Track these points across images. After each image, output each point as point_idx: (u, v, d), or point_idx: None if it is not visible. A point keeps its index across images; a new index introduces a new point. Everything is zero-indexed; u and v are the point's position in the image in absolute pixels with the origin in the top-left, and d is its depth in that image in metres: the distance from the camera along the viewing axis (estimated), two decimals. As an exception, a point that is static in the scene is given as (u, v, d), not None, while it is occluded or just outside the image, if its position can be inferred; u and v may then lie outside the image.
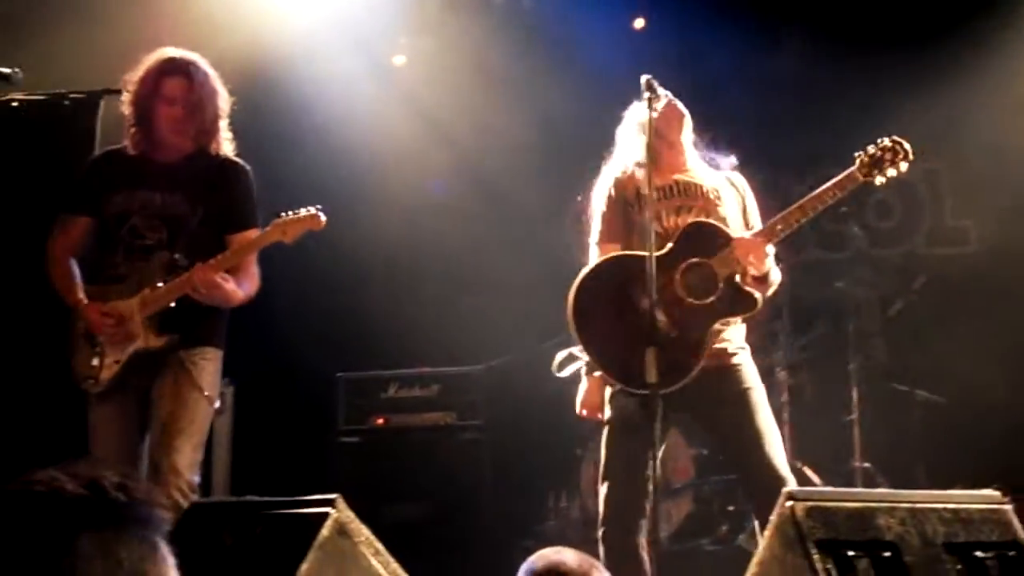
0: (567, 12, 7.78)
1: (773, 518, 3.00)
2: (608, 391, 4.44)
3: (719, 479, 6.87)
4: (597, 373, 4.47)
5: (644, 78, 4.32)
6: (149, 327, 4.50)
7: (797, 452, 6.78)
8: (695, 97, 4.69)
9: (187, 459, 4.42)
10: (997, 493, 3.28)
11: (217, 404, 4.61)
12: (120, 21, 6.69)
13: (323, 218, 4.51)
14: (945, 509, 3.07)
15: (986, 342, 7.30)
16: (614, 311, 4.31)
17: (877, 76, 7.92)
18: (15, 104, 5.46)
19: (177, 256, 4.51)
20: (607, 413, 4.44)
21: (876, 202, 8.17)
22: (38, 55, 5.65)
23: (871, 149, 4.34)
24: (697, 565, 6.54)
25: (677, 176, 4.54)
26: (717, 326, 4.33)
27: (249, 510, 3.16)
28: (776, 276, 4.46)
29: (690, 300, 4.29)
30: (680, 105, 4.54)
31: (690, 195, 4.49)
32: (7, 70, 4.37)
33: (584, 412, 4.63)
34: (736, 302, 4.35)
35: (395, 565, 3.09)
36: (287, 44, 7.19)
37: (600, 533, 4.32)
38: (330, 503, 3.02)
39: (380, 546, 3.09)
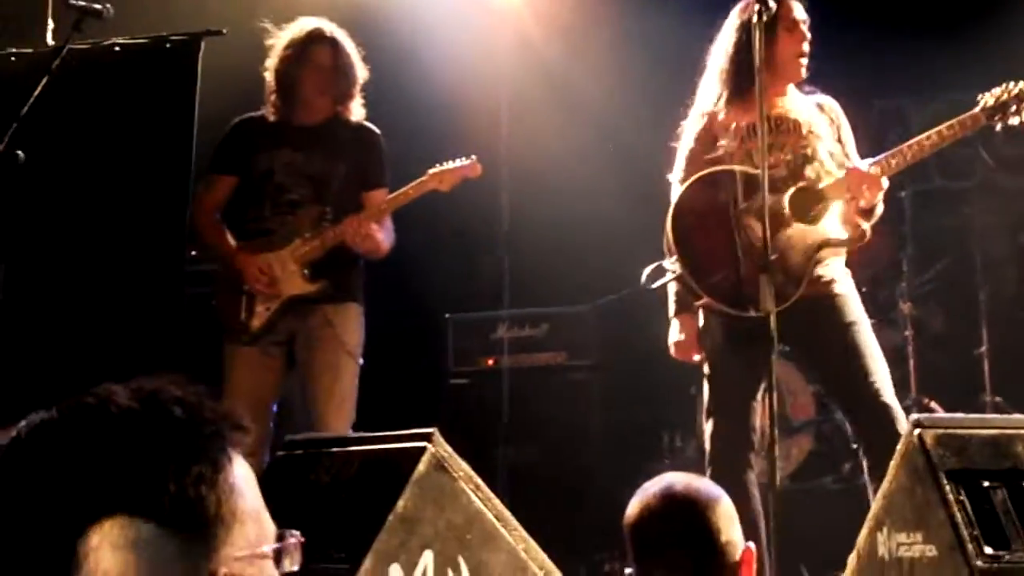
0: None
1: (900, 447, 2.80)
2: (701, 322, 4.25)
3: (841, 416, 6.63)
4: (700, 300, 4.26)
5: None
6: (302, 274, 4.78)
7: (922, 388, 6.53)
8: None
9: (343, 428, 4.67)
10: None
11: (361, 361, 4.86)
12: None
13: (479, 167, 4.85)
14: (1089, 435, 2.82)
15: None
16: (714, 229, 4.18)
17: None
18: (117, 48, 5.46)
19: (327, 210, 4.80)
20: (708, 344, 4.29)
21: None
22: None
23: (997, 91, 4.16)
24: (820, 503, 6.32)
25: (769, 112, 4.23)
26: (820, 254, 4.15)
27: (344, 446, 3.06)
28: (880, 209, 4.28)
29: (796, 223, 4.12)
30: (799, 5, 4.32)
31: (780, 131, 4.27)
32: (98, 6, 4.31)
33: (676, 353, 4.44)
34: (844, 231, 4.21)
35: (496, 501, 2.96)
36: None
37: (708, 472, 4.15)
38: (427, 437, 2.90)
39: (480, 482, 2.96)
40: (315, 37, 4.92)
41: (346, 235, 4.72)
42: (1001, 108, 4.12)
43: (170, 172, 5.41)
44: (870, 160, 4.22)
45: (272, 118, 4.94)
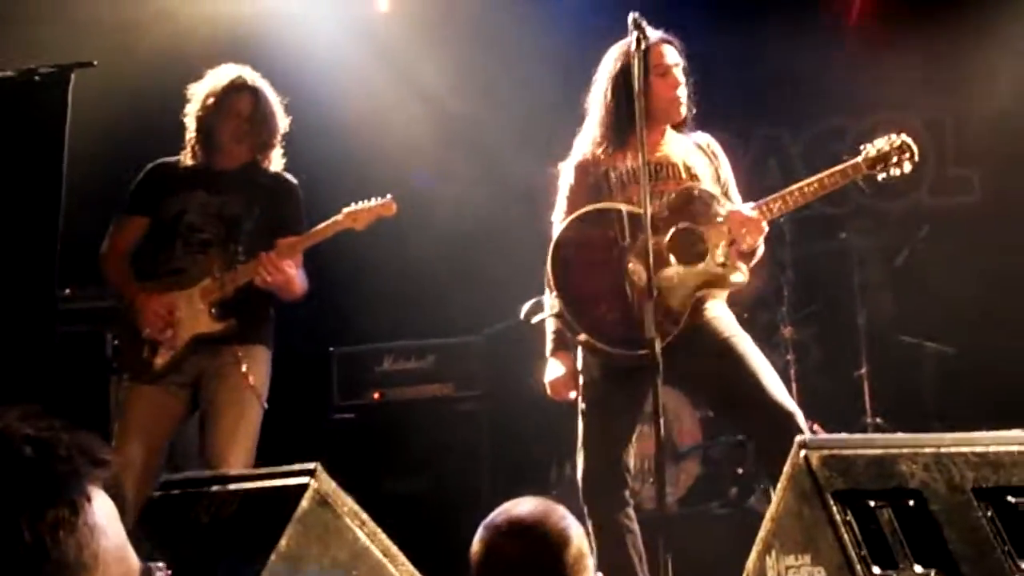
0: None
1: (787, 469, 2.80)
2: (580, 358, 4.24)
3: (727, 440, 6.69)
4: (580, 337, 4.22)
5: (632, 16, 4.09)
6: (209, 313, 4.72)
7: (806, 412, 6.57)
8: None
9: (243, 467, 4.58)
10: (1026, 433, 3.06)
11: (265, 405, 4.83)
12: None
13: (394, 206, 4.81)
14: (972, 453, 2.84)
15: (993, 290, 7.13)
16: (595, 269, 4.14)
17: (877, 23, 7.73)
18: (-16, 81, 5.29)
19: (239, 249, 4.76)
20: (580, 379, 4.26)
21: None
22: (6, 31, 5.48)
23: (880, 144, 4.24)
24: (707, 528, 6.35)
25: (648, 157, 4.18)
26: (700, 293, 4.16)
27: (224, 483, 2.96)
28: (761, 250, 4.33)
29: (676, 264, 4.14)
30: (670, 49, 4.33)
31: (660, 178, 4.26)
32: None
33: (552, 392, 4.40)
34: (723, 273, 4.20)
35: (382, 536, 2.89)
36: (269, 15, 6.99)
37: (585, 510, 4.12)
38: (310, 473, 2.82)
39: (366, 517, 2.89)
40: (236, 86, 4.90)
41: (256, 271, 4.67)
42: (883, 159, 4.20)
43: (39, 207, 5.24)
44: (751, 204, 4.23)
45: (190, 162, 4.93)
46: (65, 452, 1.16)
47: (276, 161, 4.98)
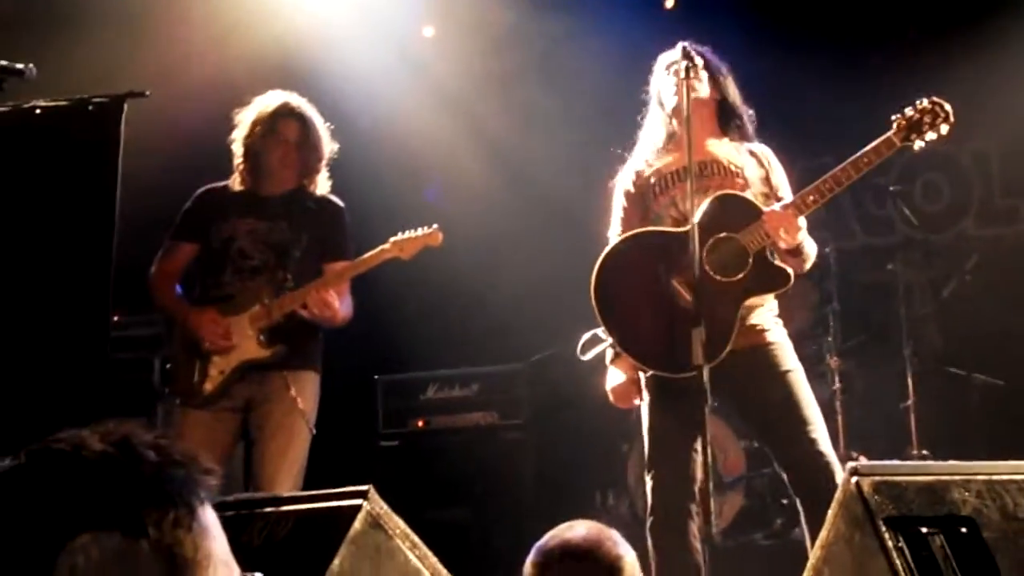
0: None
1: (838, 495, 2.79)
2: (643, 376, 4.23)
3: (771, 472, 6.64)
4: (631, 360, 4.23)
5: (680, 45, 4.13)
6: (258, 339, 4.75)
7: (851, 442, 6.57)
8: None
9: (291, 491, 4.59)
10: (1078, 462, 3.03)
11: (313, 429, 4.87)
12: (142, 22, 6.62)
13: (440, 236, 4.85)
14: (1025, 480, 2.83)
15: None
16: (639, 292, 4.13)
17: (921, 53, 7.71)
18: (38, 111, 5.38)
19: (288, 276, 4.79)
20: (644, 398, 4.22)
21: (924, 184, 7.95)
22: (60, 57, 5.57)
23: (908, 111, 4.10)
24: (752, 560, 6.33)
25: (693, 156, 4.24)
26: (748, 303, 4.11)
27: (276, 505, 2.99)
28: (812, 248, 4.24)
29: (718, 277, 4.06)
30: (706, 73, 4.33)
31: (704, 176, 4.21)
32: (20, 65, 4.25)
33: (615, 399, 4.39)
34: (767, 278, 4.13)
35: (433, 559, 2.91)
36: (316, 42, 7.07)
37: (648, 524, 4.12)
38: (362, 495, 2.84)
39: (417, 539, 2.90)
40: (283, 111, 4.96)
41: (305, 300, 4.72)
42: (915, 127, 4.06)
43: (93, 235, 5.31)
44: (784, 201, 4.17)
45: (238, 187, 4.98)
46: (181, 458, 1.24)
47: (322, 184, 5.03)
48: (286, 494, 3.29)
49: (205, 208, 5.02)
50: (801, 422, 4.04)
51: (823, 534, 2.84)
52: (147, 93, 5.26)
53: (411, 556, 2.85)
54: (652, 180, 4.31)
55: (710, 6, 7.60)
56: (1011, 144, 7.78)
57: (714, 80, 4.36)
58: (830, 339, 6.82)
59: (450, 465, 6.60)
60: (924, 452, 6.61)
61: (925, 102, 4.10)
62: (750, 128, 4.45)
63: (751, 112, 4.47)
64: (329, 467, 6.83)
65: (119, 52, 6.33)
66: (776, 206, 4.14)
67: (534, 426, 6.71)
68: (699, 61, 4.15)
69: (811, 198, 4.07)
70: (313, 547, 2.80)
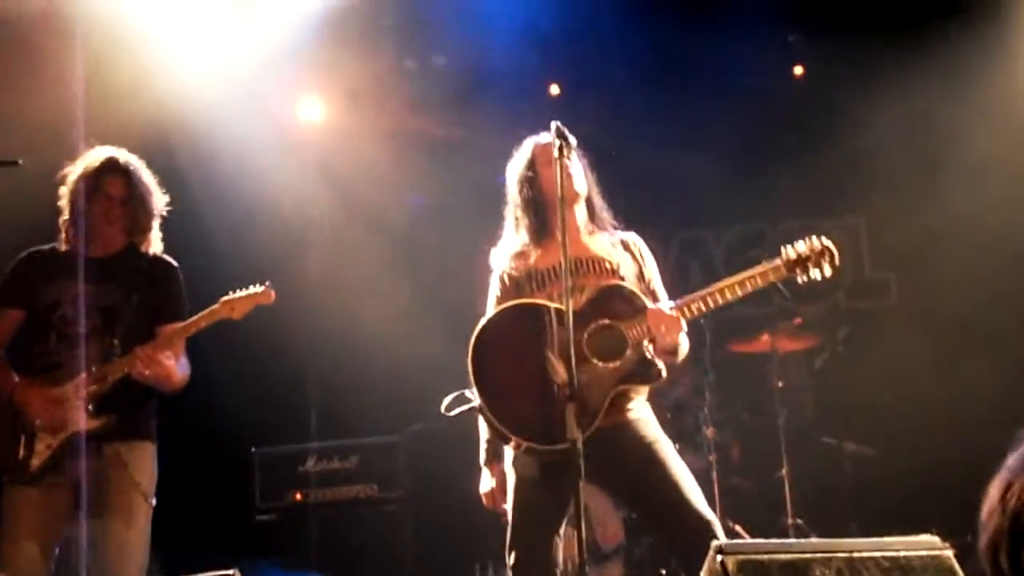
0: (481, 75, 7.73)
1: (703, 573, 2.83)
2: (510, 454, 4.25)
3: (650, 542, 6.70)
4: (501, 432, 4.23)
5: (554, 125, 4.18)
6: (87, 409, 4.51)
7: (727, 511, 6.64)
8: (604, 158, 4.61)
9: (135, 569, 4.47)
10: (936, 538, 3.11)
11: (153, 501, 4.60)
12: (22, 90, 6.53)
13: (272, 294, 4.64)
14: (884, 557, 2.90)
15: (910, 391, 7.27)
16: (515, 363, 4.12)
17: (789, 132, 7.94)
18: (-96, 177, 5.26)
19: (115, 342, 4.54)
20: (511, 477, 4.21)
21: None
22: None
23: (800, 247, 4.19)
24: (631, 631, 6.35)
25: (568, 252, 4.19)
26: (619, 389, 4.16)
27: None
28: (685, 348, 4.33)
29: (595, 361, 4.13)
30: (576, 163, 4.41)
31: (580, 273, 4.29)
32: None
33: (487, 503, 4.38)
34: (642, 370, 4.18)
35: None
36: (194, 110, 7.04)
37: None
38: (228, 579, 2.80)
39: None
40: (108, 167, 4.73)
41: (134, 365, 4.49)
42: (803, 262, 4.16)
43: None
44: (671, 303, 4.24)
45: (64, 248, 4.74)
46: None
47: (155, 243, 4.81)
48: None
49: (29, 272, 4.74)
50: (672, 487, 4.05)
51: (690, 611, 2.87)
52: (19, 161, 5.16)
53: (277, 641, 2.82)
54: (528, 274, 4.35)
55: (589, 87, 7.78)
56: (879, 217, 8.02)
57: (585, 172, 4.45)
58: (706, 410, 6.92)
59: (329, 538, 6.52)
60: (798, 520, 6.73)
61: (815, 241, 4.21)
62: (609, 218, 4.53)
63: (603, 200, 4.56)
64: (204, 541, 6.75)
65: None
66: (662, 305, 4.22)
67: (413, 498, 6.68)
68: (573, 141, 4.21)
69: (695, 306, 4.16)
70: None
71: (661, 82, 7.76)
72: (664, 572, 6.70)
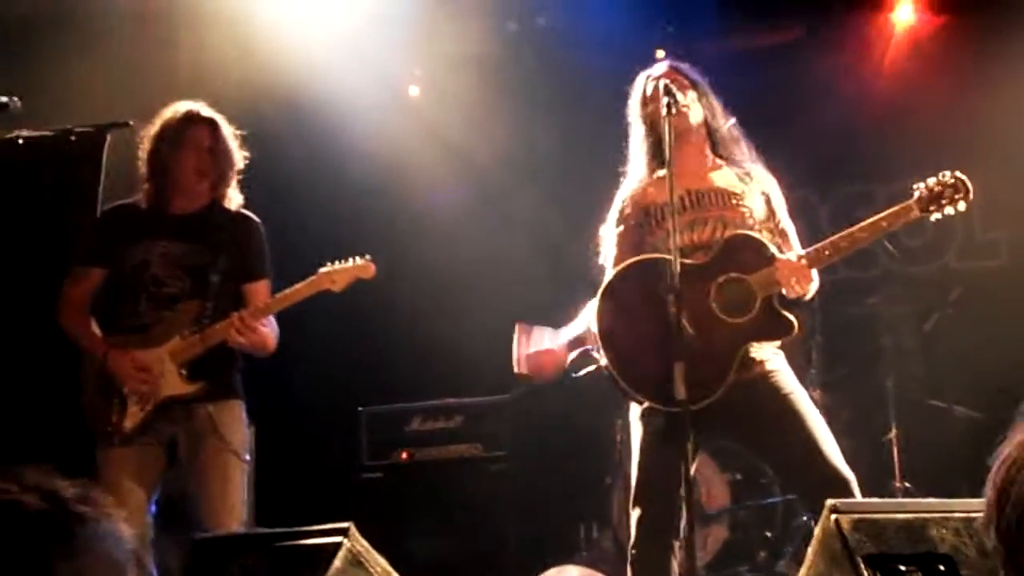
0: (583, 35, 7.67)
1: (817, 532, 2.80)
2: (637, 410, 4.21)
3: (755, 504, 6.66)
4: (625, 397, 4.21)
5: (662, 83, 4.15)
6: (179, 374, 4.53)
7: (835, 475, 6.57)
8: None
9: (237, 526, 4.50)
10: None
11: (247, 458, 4.66)
12: (128, 54, 6.63)
13: (373, 267, 4.66)
14: (1003, 518, 2.84)
15: (1021, 354, 7.10)
16: (642, 318, 4.06)
17: (899, 90, 7.77)
18: (20, 141, 5.38)
19: (208, 305, 4.55)
20: (637, 430, 4.20)
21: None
22: (42, 89, 5.57)
23: (932, 183, 4.07)
24: (736, 593, 6.33)
25: (689, 186, 4.24)
26: (748, 346, 4.09)
27: (258, 542, 2.98)
28: (813, 292, 4.21)
29: (723, 317, 4.05)
30: (694, 93, 4.34)
31: (703, 206, 4.21)
32: (4, 98, 4.25)
33: (523, 367, 4.39)
34: (771, 326, 4.10)
35: (414, 596, 2.91)
36: (302, 78, 7.09)
37: (631, 556, 4.09)
38: (343, 532, 2.84)
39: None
40: (191, 118, 4.73)
41: (228, 333, 4.51)
42: (936, 199, 4.05)
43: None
44: (800, 251, 4.17)
45: (145, 206, 4.72)
46: (112, 514, 1.25)
47: (235, 198, 4.79)
48: (266, 531, 3.26)
49: (111, 229, 4.72)
50: (809, 441, 3.99)
51: (803, 571, 2.85)
52: (130, 123, 5.24)
53: (391, 593, 2.85)
54: (648, 211, 4.28)
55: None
56: (992, 178, 7.82)
57: (701, 100, 4.36)
58: (813, 371, 6.84)
59: (434, 497, 6.58)
60: (907, 484, 6.63)
61: (948, 176, 4.09)
62: (744, 146, 4.43)
63: (736, 125, 4.45)
64: (312, 500, 6.85)
65: (105, 83, 6.33)
66: (791, 255, 4.14)
67: (517, 458, 6.70)
68: (683, 84, 4.17)
69: (827, 252, 4.08)
70: (294, 584, 2.81)
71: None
72: (769, 535, 6.67)
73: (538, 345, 4.36)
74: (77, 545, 1.18)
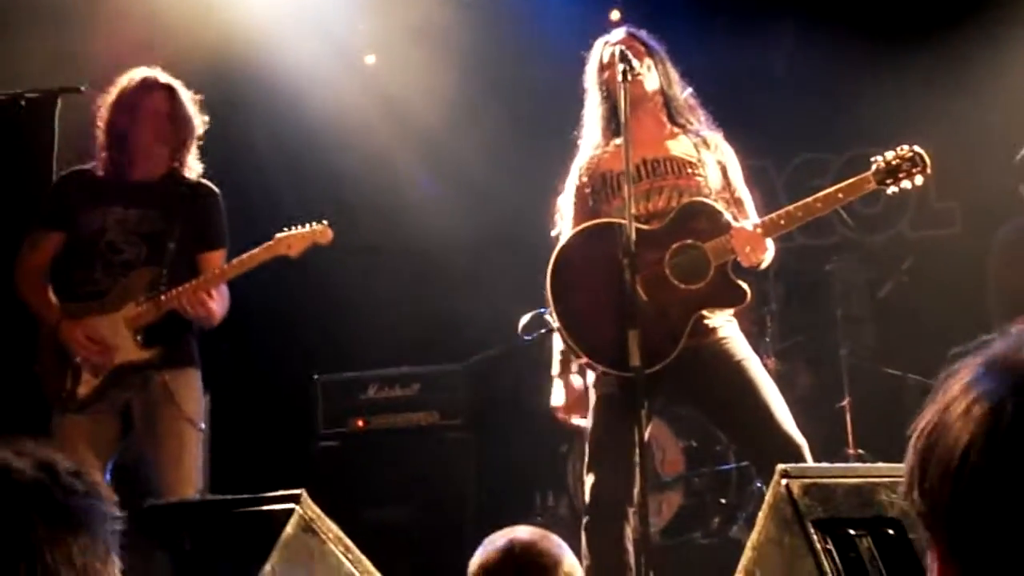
0: (537, 3, 7.65)
1: (768, 498, 2.82)
2: (591, 376, 4.22)
3: (710, 471, 6.70)
4: (577, 360, 4.23)
5: (619, 49, 4.14)
6: (135, 340, 4.52)
7: (788, 441, 6.62)
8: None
9: (192, 494, 4.49)
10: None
11: (202, 426, 4.66)
12: (80, 20, 6.54)
13: (330, 233, 4.62)
14: (950, 482, 2.87)
15: (974, 323, 7.17)
16: (596, 282, 4.08)
17: (861, 64, 7.80)
18: (-30, 106, 5.29)
19: (163, 272, 4.53)
20: (591, 397, 4.20)
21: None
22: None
23: (890, 156, 4.05)
24: (690, 558, 6.37)
25: (645, 155, 4.24)
26: (701, 312, 4.11)
27: (208, 510, 2.97)
28: (768, 262, 4.23)
29: (676, 283, 4.08)
30: (650, 60, 4.33)
31: (659, 175, 4.21)
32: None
33: (559, 414, 4.40)
34: (724, 293, 4.12)
35: (367, 563, 2.91)
36: (255, 45, 7.02)
37: (584, 522, 4.11)
38: (295, 499, 2.83)
39: (350, 543, 2.90)
40: (149, 85, 4.69)
41: (182, 301, 4.49)
42: (893, 172, 4.03)
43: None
44: (755, 220, 4.17)
45: (101, 174, 4.69)
46: (102, 491, 1.27)
47: (194, 165, 4.76)
48: (217, 498, 3.25)
49: (71, 194, 4.69)
50: (761, 407, 4.00)
51: (753, 536, 2.87)
52: (82, 88, 5.16)
53: (344, 560, 2.85)
54: (604, 179, 4.27)
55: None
56: (945, 147, 7.87)
57: (658, 67, 4.35)
58: (767, 340, 6.88)
59: (390, 465, 6.58)
60: (860, 451, 6.69)
61: (906, 150, 4.06)
62: (701, 114, 4.43)
63: (693, 94, 4.46)
64: (268, 468, 6.83)
65: (57, 48, 6.24)
66: (746, 223, 4.14)
67: (474, 426, 6.71)
68: (640, 51, 4.16)
69: (782, 222, 4.08)
70: (245, 551, 2.80)
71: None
72: (724, 502, 6.72)
73: (574, 390, 4.34)
74: (63, 516, 1.18)
